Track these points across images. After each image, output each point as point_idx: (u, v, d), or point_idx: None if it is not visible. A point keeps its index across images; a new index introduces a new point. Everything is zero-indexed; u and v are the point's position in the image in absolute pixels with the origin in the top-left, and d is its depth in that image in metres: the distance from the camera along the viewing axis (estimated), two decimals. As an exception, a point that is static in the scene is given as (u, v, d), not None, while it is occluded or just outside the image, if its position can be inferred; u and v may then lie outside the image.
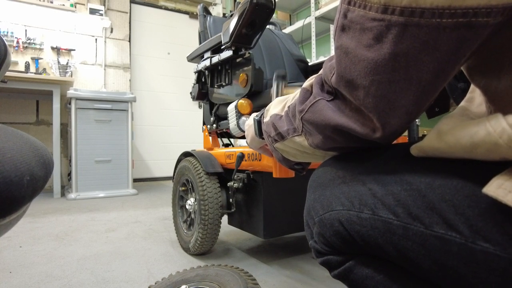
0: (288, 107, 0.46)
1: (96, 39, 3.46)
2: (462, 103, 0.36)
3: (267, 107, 0.55)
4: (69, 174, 2.82)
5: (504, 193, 0.23)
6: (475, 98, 0.35)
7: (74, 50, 3.30)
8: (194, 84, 1.36)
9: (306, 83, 0.42)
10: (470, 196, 0.27)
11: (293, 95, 0.47)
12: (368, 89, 0.30)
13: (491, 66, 0.29)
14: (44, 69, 3.04)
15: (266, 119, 0.53)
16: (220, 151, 1.18)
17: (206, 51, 1.26)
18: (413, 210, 0.30)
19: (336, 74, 0.34)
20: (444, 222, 0.27)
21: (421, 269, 0.30)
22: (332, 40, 2.51)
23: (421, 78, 0.27)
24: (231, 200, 1.14)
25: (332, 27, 2.52)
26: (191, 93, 1.38)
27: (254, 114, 0.63)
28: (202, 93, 1.33)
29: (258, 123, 0.58)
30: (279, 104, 0.51)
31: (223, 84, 1.15)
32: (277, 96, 0.98)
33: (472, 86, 0.37)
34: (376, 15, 0.27)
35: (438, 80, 0.28)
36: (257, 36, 1.01)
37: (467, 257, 0.26)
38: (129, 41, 3.70)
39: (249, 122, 0.67)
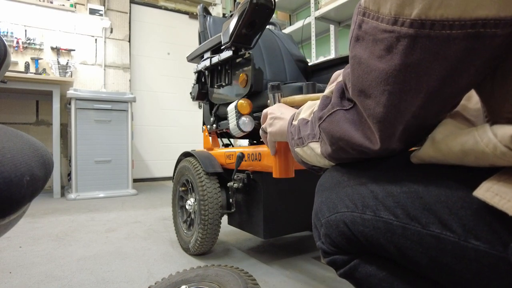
0: (314, 113, 0.47)
1: (96, 39, 3.46)
2: (462, 101, 0.37)
3: (297, 111, 0.56)
4: (69, 174, 2.82)
5: (491, 195, 0.25)
6: (472, 96, 0.36)
7: (74, 50, 3.30)
8: (194, 84, 1.36)
9: (327, 90, 0.43)
10: (463, 198, 0.29)
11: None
12: (379, 98, 0.31)
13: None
14: (44, 69, 3.04)
15: (295, 122, 0.54)
16: (220, 151, 1.18)
17: (206, 51, 1.25)
18: (411, 211, 0.31)
19: (350, 83, 0.35)
20: (439, 222, 0.29)
21: (419, 266, 0.32)
22: (332, 40, 2.51)
23: (429, 85, 0.28)
24: (231, 200, 1.14)
25: (332, 27, 2.52)
26: (191, 93, 1.38)
27: (296, 111, 0.60)
28: (202, 93, 1.33)
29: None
30: (308, 109, 0.52)
31: (223, 84, 1.15)
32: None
33: None
34: (386, 26, 0.28)
35: (444, 87, 0.28)
36: (257, 36, 1.01)
37: (460, 254, 0.28)
38: (129, 41, 3.70)
39: (284, 116, 0.63)
